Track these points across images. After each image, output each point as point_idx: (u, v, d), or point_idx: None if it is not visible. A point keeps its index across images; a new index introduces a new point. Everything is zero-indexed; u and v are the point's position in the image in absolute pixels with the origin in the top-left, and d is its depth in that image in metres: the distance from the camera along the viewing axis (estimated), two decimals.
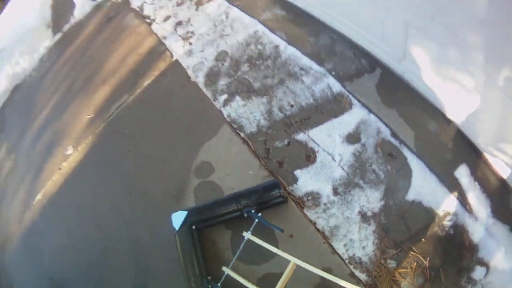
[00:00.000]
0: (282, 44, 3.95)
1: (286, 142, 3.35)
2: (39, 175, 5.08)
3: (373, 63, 3.38)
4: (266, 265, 2.96)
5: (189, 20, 4.82)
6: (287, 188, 3.11)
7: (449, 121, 2.95)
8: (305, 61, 3.72)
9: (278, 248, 2.71)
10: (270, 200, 2.99)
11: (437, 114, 3.00)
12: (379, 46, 3.23)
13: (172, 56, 4.63)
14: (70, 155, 4.85)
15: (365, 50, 3.44)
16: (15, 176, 5.54)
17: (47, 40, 7.62)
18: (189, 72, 4.30)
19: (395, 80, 3.21)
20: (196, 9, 4.88)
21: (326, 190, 3.02)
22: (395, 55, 3.08)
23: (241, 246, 2.88)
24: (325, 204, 2.97)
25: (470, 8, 2.07)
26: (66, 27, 7.39)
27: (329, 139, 3.21)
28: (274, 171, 3.27)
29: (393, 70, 3.22)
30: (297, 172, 3.16)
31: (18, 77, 7.58)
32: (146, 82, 4.69)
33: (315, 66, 3.64)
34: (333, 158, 3.11)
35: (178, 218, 3.11)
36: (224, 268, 2.90)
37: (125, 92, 4.86)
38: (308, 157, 3.19)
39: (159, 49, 4.92)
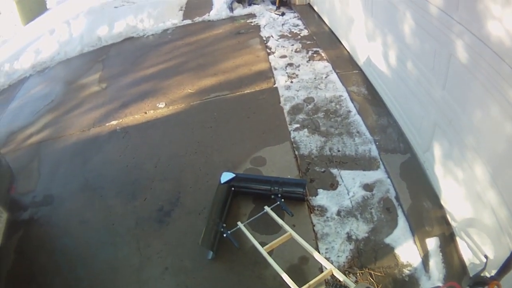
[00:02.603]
0: (353, 111, 4.99)
1: (322, 170, 4.29)
2: (122, 108, 6.01)
3: (407, 148, 4.27)
4: (265, 236, 3.60)
5: (299, 65, 6.04)
6: (308, 196, 3.97)
7: (440, 206, 3.66)
8: (363, 128, 4.71)
9: (281, 231, 3.45)
10: (294, 193, 3.81)
11: (434, 197, 3.72)
12: (415, 137, 4.11)
13: (274, 83, 5.81)
14: (160, 108, 5.78)
15: (406, 137, 4.35)
16: (97, 99, 6.48)
17: (176, 19, 8.81)
18: (282, 99, 5.43)
19: (416, 165, 4.06)
20: (307, 61, 6.12)
21: (332, 209, 3.85)
22: (422, 147, 3.93)
23: (259, 214, 3.58)
24: (327, 217, 3.79)
25: (470, 116, 2.88)
26: (198, 19, 8.63)
27: (352, 181, 4.11)
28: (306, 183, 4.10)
29: (418, 157, 4.07)
30: (320, 190, 4.05)
31: (135, 31, 8.72)
32: (247, 91, 5.79)
33: (367, 134, 4.63)
34: (348, 193, 3.99)
35: (226, 176, 3.93)
36: (238, 223, 3.53)
37: (227, 89, 5.93)
38: (332, 185, 4.11)
39: (267, 74, 6.11)
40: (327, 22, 7.40)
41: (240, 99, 5.65)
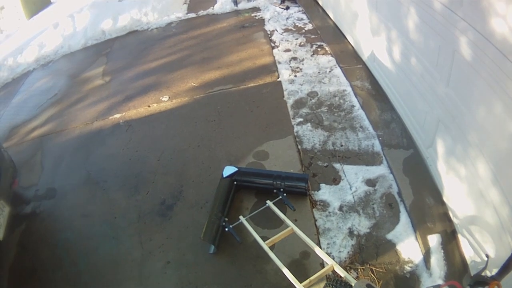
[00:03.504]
0: (357, 106, 4.96)
1: (325, 164, 4.28)
2: (126, 102, 6.06)
3: (410, 143, 4.24)
4: (267, 230, 3.61)
5: (303, 60, 6.02)
6: (310, 191, 3.96)
7: (443, 202, 3.63)
8: (366, 123, 4.67)
9: (283, 225, 3.44)
10: (296, 188, 3.80)
11: (436, 194, 3.69)
12: (418, 133, 4.08)
13: (278, 77, 5.84)
14: (163, 102, 5.82)
15: (409, 133, 4.32)
16: (101, 92, 6.54)
17: (180, 12, 8.84)
18: (285, 93, 5.45)
19: (419, 160, 4.03)
20: (312, 55, 6.11)
21: (334, 204, 3.83)
22: (425, 143, 3.89)
23: (261, 208, 3.62)
24: (329, 212, 3.78)
25: (473, 114, 2.84)
26: (202, 12, 8.64)
27: (355, 176, 4.09)
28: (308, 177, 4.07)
29: (421, 153, 4.04)
30: (322, 185, 4.03)
31: (140, 24, 8.75)
32: (251, 84, 5.81)
33: (371, 129, 4.60)
34: (350, 188, 3.97)
35: (228, 170, 3.94)
36: (240, 217, 3.55)
37: (231, 83, 5.94)
38: (335, 180, 4.09)
39: (271, 68, 6.11)
40: (331, 17, 7.35)
41: (243, 92, 5.64)
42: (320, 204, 3.91)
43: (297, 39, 6.80)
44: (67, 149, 5.32)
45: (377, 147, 4.38)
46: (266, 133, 4.74)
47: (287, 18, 7.80)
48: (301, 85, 5.53)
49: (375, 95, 5.14)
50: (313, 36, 6.83)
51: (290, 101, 5.24)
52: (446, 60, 3.19)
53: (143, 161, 4.75)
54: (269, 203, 3.62)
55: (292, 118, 4.92)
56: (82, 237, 4.03)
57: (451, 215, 3.56)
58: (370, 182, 4.06)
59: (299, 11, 8.11)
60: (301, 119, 4.90)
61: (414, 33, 3.85)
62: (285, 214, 3.53)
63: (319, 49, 6.40)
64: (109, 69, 7.42)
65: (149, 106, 5.78)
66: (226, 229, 3.54)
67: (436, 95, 3.50)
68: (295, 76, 5.76)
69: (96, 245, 3.93)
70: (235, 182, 3.98)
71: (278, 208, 3.53)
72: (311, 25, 7.39)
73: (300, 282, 2.90)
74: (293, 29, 7.34)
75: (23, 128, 6.19)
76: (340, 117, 4.85)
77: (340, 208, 3.86)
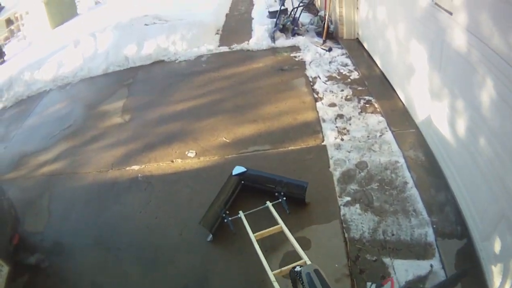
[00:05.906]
0: (410, 183, 4.97)
1: (374, 258, 4.26)
2: (146, 151, 6.10)
3: (464, 232, 4.25)
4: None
5: (350, 118, 6.18)
6: None
7: None
8: (420, 206, 4.67)
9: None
10: (295, 194, 4.70)
11: None
12: (475, 221, 4.08)
13: (323, 139, 5.79)
14: (189, 158, 5.81)
15: (464, 219, 4.34)
16: (119, 133, 6.71)
17: (212, 44, 9.01)
18: (331, 162, 5.36)
19: (472, 252, 4.06)
20: (359, 113, 6.26)
21: None
22: (482, 235, 3.91)
23: (260, 207, 4.42)
24: None
25: None
26: (236, 46, 8.80)
27: (405, 273, 4.10)
28: (353, 273, 3.97)
29: (475, 244, 4.07)
30: (369, 284, 3.86)
31: (166, 54, 9.03)
32: (291, 147, 5.73)
33: (424, 214, 4.60)
34: None
35: (237, 170, 4.93)
36: (240, 212, 4.37)
37: (268, 143, 5.85)
38: (383, 277, 4.09)
39: (315, 127, 6.06)
40: (378, 64, 7.41)
41: (283, 157, 5.54)
42: None
43: (342, 90, 6.83)
44: (78, 198, 5.40)
45: (431, 236, 4.27)
46: (308, 213, 4.62)
47: (330, 62, 7.94)
48: (349, 152, 5.47)
49: (429, 169, 5.12)
50: (360, 88, 6.83)
51: (336, 173, 5.15)
52: None
53: (163, 232, 4.71)
54: (269, 204, 4.38)
55: (339, 197, 4.79)
56: None
57: None
58: (420, 280, 4.08)
59: (343, 54, 8.22)
60: (349, 198, 4.78)
61: (487, 109, 3.73)
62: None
63: (367, 105, 6.39)
64: (130, 104, 7.58)
65: (172, 161, 5.76)
66: (225, 220, 4.42)
67: (505, 187, 3.47)
68: (342, 139, 5.73)
69: None
70: (242, 182, 4.88)
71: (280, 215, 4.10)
72: (357, 73, 7.35)
73: (272, 271, 3.51)
74: (338, 77, 7.37)
75: (33, 160, 6.44)
76: (392, 197, 4.73)
77: None
